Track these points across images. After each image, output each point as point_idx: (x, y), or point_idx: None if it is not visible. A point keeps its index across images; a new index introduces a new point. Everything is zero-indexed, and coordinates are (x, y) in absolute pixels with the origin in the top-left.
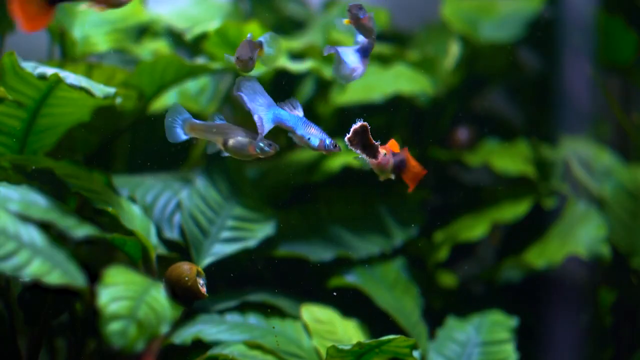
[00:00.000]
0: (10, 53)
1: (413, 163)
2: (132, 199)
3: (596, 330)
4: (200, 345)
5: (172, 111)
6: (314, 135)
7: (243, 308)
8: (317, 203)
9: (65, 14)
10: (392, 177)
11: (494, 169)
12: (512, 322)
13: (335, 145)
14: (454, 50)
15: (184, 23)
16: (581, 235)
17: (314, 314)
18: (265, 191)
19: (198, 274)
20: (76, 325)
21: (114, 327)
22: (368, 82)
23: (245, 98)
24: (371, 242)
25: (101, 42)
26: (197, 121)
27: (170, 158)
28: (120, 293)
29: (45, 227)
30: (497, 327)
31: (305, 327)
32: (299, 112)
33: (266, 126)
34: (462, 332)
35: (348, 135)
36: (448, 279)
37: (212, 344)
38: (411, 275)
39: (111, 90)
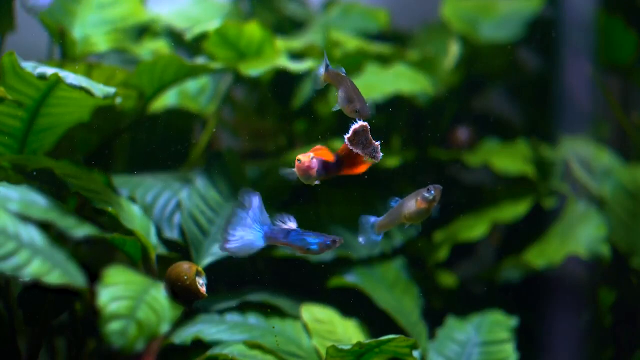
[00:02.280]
0: (10, 53)
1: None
2: (132, 199)
3: (596, 330)
4: (200, 345)
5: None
6: (314, 245)
7: (243, 308)
8: (317, 203)
9: (65, 14)
10: (317, 182)
11: (494, 169)
12: (512, 322)
13: (335, 241)
14: (454, 50)
15: (184, 23)
16: (581, 235)
17: (314, 314)
18: (265, 191)
19: (198, 274)
20: (76, 325)
21: (114, 326)
22: (368, 82)
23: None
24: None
25: (101, 42)
26: (332, 69)
27: (170, 158)
28: (120, 293)
29: (45, 227)
30: (497, 327)
31: (305, 327)
32: (293, 225)
33: (257, 247)
34: (462, 332)
35: (348, 135)
36: (448, 279)
37: (212, 344)
38: (411, 275)
39: (111, 90)
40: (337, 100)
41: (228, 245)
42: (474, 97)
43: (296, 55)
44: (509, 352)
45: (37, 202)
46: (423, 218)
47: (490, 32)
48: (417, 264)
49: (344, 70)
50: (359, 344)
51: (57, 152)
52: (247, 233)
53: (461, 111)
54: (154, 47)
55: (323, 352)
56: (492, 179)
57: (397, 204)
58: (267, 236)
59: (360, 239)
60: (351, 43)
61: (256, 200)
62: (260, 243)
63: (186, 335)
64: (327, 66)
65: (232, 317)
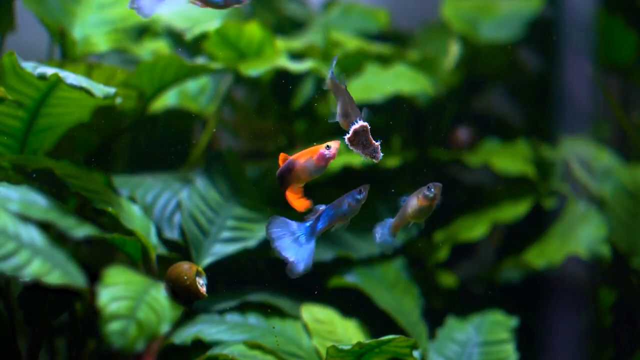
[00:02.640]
0: (10, 53)
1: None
2: (132, 199)
3: (596, 330)
4: (200, 345)
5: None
6: (345, 205)
7: (243, 308)
8: (316, 203)
9: (65, 14)
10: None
11: (494, 169)
12: (512, 322)
13: (361, 190)
14: (454, 50)
15: (184, 23)
16: (581, 235)
17: (314, 314)
18: (265, 191)
19: (198, 274)
20: (76, 325)
21: (114, 326)
22: (368, 82)
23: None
24: (371, 242)
25: (101, 42)
26: (335, 79)
27: (170, 158)
28: (120, 293)
29: (45, 227)
30: (497, 327)
31: (305, 327)
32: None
33: (312, 247)
34: (462, 332)
35: (348, 135)
36: (448, 279)
37: (212, 344)
38: (411, 275)
39: (111, 90)
40: (335, 111)
41: (297, 268)
42: (474, 97)
43: (296, 55)
44: (509, 352)
45: (37, 202)
46: (426, 215)
47: (490, 32)
48: (417, 264)
49: (345, 82)
50: (359, 344)
51: (57, 152)
52: (296, 245)
53: (461, 111)
54: (154, 47)
55: (323, 352)
56: (492, 179)
57: (404, 203)
58: (312, 232)
59: (377, 241)
60: (351, 43)
61: (280, 221)
62: (311, 242)
63: (186, 335)
64: (331, 74)
65: (232, 317)
